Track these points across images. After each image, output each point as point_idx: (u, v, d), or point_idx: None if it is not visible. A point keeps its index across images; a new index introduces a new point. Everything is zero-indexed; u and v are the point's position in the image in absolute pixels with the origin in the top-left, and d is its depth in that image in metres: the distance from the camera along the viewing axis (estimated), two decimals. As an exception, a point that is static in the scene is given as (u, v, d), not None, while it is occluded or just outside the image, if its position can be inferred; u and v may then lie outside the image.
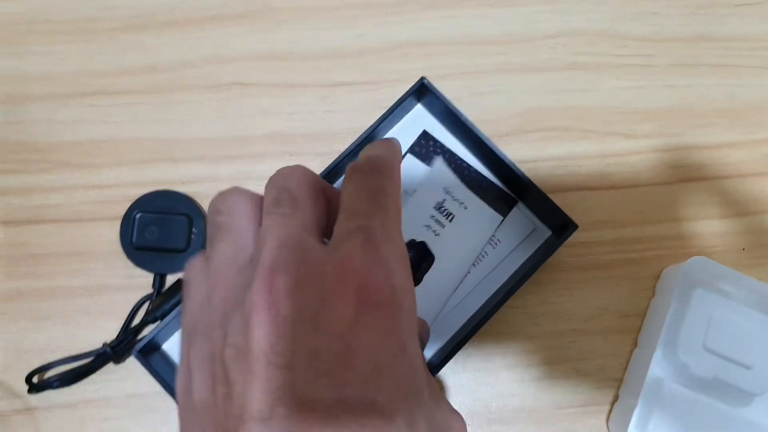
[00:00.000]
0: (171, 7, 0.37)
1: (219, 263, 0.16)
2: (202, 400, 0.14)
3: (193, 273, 0.17)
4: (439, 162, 0.34)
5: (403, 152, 0.35)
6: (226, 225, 0.17)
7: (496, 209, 0.35)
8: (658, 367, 0.32)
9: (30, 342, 0.33)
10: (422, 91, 0.34)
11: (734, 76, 0.37)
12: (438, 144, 0.35)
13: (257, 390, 0.13)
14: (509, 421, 0.33)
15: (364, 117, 0.35)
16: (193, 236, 0.34)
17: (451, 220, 0.32)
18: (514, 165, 0.32)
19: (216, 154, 0.35)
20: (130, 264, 0.34)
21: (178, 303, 0.33)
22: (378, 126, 0.33)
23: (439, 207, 0.33)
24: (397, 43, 0.37)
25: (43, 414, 0.33)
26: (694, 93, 0.37)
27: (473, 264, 0.34)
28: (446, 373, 0.34)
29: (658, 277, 0.35)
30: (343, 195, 0.17)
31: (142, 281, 0.34)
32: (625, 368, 0.34)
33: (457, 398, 0.34)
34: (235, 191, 0.18)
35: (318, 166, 0.35)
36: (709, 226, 0.36)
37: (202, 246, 0.34)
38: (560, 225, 0.33)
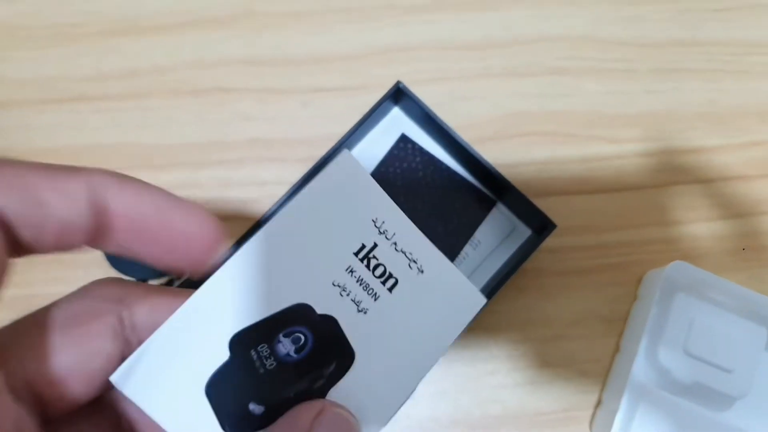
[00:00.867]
0: (152, 11, 0.37)
1: None
2: None
3: None
4: (356, 170, 0.16)
5: (382, 156, 0.35)
6: None
7: (475, 210, 0.35)
8: (640, 372, 0.32)
9: (8, 350, 0.33)
10: (399, 95, 0.34)
11: (715, 81, 0.37)
12: (417, 147, 0.35)
13: None
14: (492, 428, 0.33)
15: (345, 122, 0.35)
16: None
17: (390, 287, 0.16)
18: (491, 166, 0.33)
19: (197, 159, 0.35)
20: (111, 271, 0.34)
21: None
22: (356, 131, 0.33)
23: (364, 256, 0.16)
24: (378, 48, 0.37)
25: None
26: (675, 97, 0.37)
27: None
28: (428, 380, 0.34)
29: (640, 281, 0.35)
30: None
31: (122, 288, 0.34)
32: (608, 373, 0.34)
33: (439, 406, 0.34)
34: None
35: (299, 172, 0.34)
36: (691, 229, 0.36)
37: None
38: (539, 225, 0.33)
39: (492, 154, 0.35)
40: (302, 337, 0.15)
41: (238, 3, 0.37)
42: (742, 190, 0.36)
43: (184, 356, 0.14)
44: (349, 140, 0.33)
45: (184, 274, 0.15)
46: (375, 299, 0.16)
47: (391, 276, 0.16)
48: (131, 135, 0.35)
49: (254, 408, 0.14)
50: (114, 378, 0.13)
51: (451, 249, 0.34)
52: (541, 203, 0.33)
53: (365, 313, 0.15)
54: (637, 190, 0.36)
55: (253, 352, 0.14)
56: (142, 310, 0.14)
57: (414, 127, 0.35)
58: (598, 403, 0.34)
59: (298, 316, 0.15)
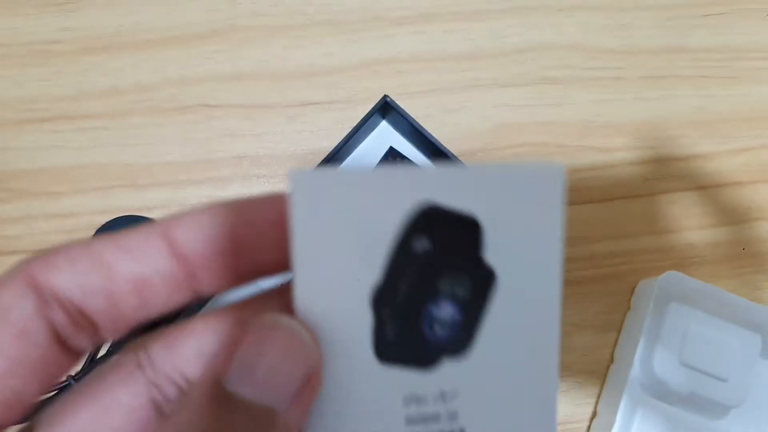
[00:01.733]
0: (133, 28, 0.36)
1: None
2: None
3: None
4: None
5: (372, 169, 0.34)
6: None
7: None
8: (635, 383, 0.32)
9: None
10: (386, 109, 0.33)
11: (704, 87, 0.37)
12: (405, 161, 0.35)
13: None
14: (488, 443, 0.33)
15: (333, 136, 0.35)
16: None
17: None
18: None
19: (182, 178, 0.35)
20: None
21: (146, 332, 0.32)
22: (343, 146, 0.32)
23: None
24: (365, 61, 0.36)
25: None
26: (665, 105, 0.37)
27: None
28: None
29: (633, 291, 0.35)
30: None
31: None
32: (603, 384, 0.34)
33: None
34: None
35: (287, 189, 0.34)
36: (684, 237, 0.36)
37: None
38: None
39: (482, 166, 0.35)
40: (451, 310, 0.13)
41: (220, 18, 0.36)
42: (734, 197, 0.36)
43: None
44: (336, 155, 0.33)
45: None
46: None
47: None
48: (114, 154, 0.35)
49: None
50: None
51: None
52: (532, 215, 0.33)
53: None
54: (629, 199, 0.36)
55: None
56: (157, 348, 0.13)
57: (402, 140, 0.35)
58: (594, 414, 0.34)
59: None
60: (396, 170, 0.12)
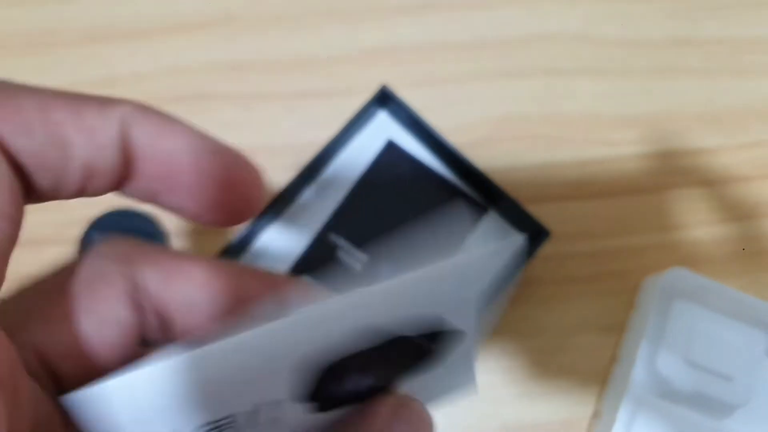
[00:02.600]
0: (130, 17, 0.36)
1: None
2: None
3: None
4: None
5: (368, 163, 0.34)
6: None
7: (466, 218, 0.34)
8: (639, 381, 0.31)
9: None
10: (384, 99, 0.33)
11: (713, 80, 0.36)
12: (404, 153, 0.34)
13: None
14: (487, 441, 0.33)
15: (332, 127, 0.34)
16: (156, 256, 0.33)
17: None
18: (482, 172, 0.32)
19: (177, 170, 0.34)
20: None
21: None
22: (341, 137, 0.32)
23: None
24: (365, 51, 0.36)
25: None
26: (673, 98, 0.36)
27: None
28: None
29: (637, 288, 0.34)
30: None
31: (103, 305, 0.33)
32: (606, 383, 0.33)
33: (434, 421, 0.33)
34: None
35: (284, 180, 0.33)
36: (690, 234, 0.35)
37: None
38: (532, 232, 0.32)
39: (483, 159, 0.34)
40: None
41: (217, 7, 0.36)
42: (741, 192, 0.36)
43: None
44: (334, 146, 0.32)
45: (216, 227, 0.13)
46: None
47: None
48: (109, 145, 0.34)
49: None
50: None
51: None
52: (535, 209, 0.32)
53: None
54: (634, 194, 0.35)
55: None
56: (153, 273, 0.12)
57: (401, 132, 0.34)
58: (596, 413, 0.33)
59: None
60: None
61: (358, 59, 0.35)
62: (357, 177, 0.34)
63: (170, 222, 0.34)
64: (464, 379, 0.13)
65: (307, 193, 0.33)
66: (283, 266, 0.32)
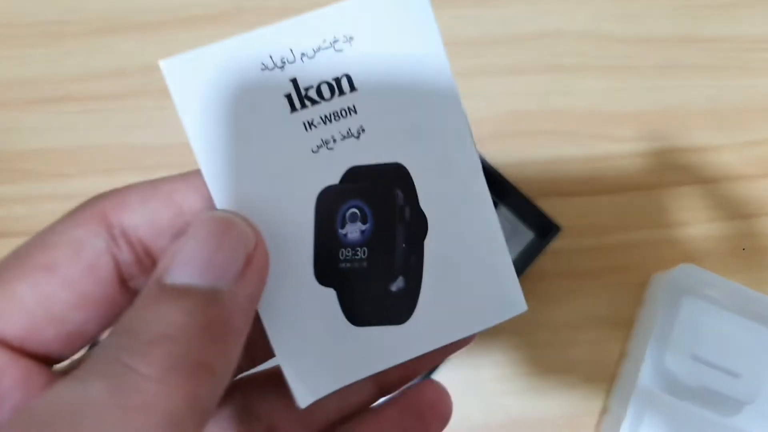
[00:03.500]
0: (141, 9, 0.36)
1: None
2: None
3: None
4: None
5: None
6: None
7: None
8: (646, 377, 0.31)
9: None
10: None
11: (717, 78, 0.37)
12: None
13: None
14: (494, 435, 0.32)
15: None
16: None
17: (349, 88, 0.13)
18: (492, 166, 0.32)
19: (188, 160, 0.34)
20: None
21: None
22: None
23: (300, 97, 0.13)
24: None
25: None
26: (677, 95, 0.36)
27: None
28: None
29: (645, 284, 0.34)
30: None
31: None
32: (614, 379, 0.33)
33: (440, 412, 0.33)
34: None
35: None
36: (697, 230, 0.35)
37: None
38: (543, 228, 0.32)
39: (492, 154, 0.34)
40: (355, 209, 0.13)
41: (228, 0, 0.36)
42: (747, 190, 0.36)
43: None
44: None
45: None
46: (354, 112, 0.13)
47: (339, 78, 0.13)
48: (121, 136, 0.34)
49: (394, 286, 0.13)
50: None
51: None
52: (542, 204, 0.32)
53: (362, 131, 0.13)
54: (641, 190, 0.35)
55: (342, 266, 0.13)
56: (131, 207, 0.13)
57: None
58: (604, 409, 0.33)
59: (329, 201, 0.13)
60: (258, 33, 0.12)
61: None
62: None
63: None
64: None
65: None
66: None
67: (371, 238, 0.13)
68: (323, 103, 0.13)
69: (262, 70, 0.13)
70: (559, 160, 0.35)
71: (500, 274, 0.14)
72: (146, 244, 0.12)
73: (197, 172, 0.13)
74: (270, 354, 0.13)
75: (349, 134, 0.13)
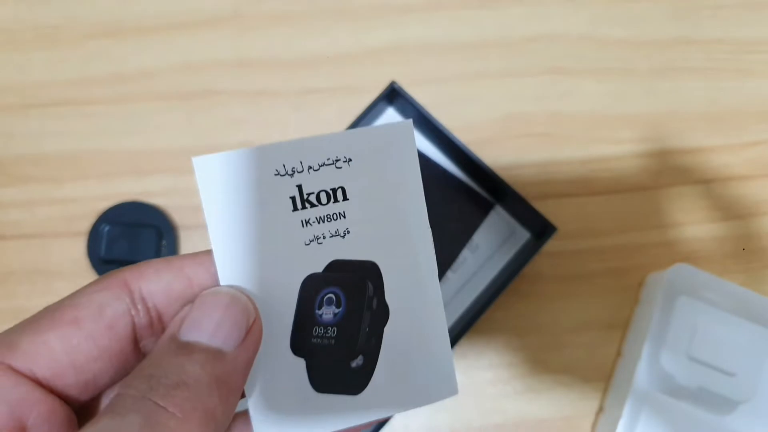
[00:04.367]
0: (138, 14, 0.36)
1: None
2: None
3: None
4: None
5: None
6: None
7: (473, 214, 0.34)
8: (642, 377, 0.31)
9: (-8, 364, 0.32)
10: (393, 96, 0.33)
11: (714, 80, 0.37)
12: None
13: None
14: (492, 436, 0.33)
15: (339, 124, 0.34)
16: (162, 248, 0.33)
17: (342, 197, 0.16)
18: (489, 168, 0.32)
19: (185, 165, 0.34)
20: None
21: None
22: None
23: (301, 200, 0.16)
24: (372, 49, 0.36)
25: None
26: (675, 97, 0.37)
27: (451, 269, 0.33)
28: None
29: (641, 285, 0.35)
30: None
31: (110, 299, 0.33)
32: (610, 379, 0.34)
33: (438, 416, 0.33)
34: None
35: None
36: (693, 231, 0.35)
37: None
38: (539, 228, 0.32)
39: (489, 156, 0.34)
40: (332, 295, 0.16)
41: (225, 4, 0.36)
42: (742, 191, 0.36)
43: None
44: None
45: None
46: (344, 217, 0.16)
47: (335, 190, 0.16)
48: (119, 140, 0.34)
49: (354, 362, 0.16)
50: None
51: (450, 253, 0.33)
52: (539, 206, 0.32)
53: (348, 233, 0.16)
54: (637, 191, 0.35)
55: (314, 341, 0.16)
56: (148, 278, 0.15)
57: (409, 129, 0.35)
58: (600, 409, 0.33)
59: (311, 286, 0.16)
60: (274, 146, 0.15)
61: (365, 57, 0.36)
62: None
63: (179, 215, 0.34)
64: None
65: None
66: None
67: (342, 320, 0.16)
68: (320, 206, 0.16)
69: (275, 174, 0.15)
70: (556, 162, 0.35)
71: (441, 363, 0.17)
72: (159, 310, 0.15)
73: (205, 253, 0.15)
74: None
75: (336, 233, 0.16)
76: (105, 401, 0.15)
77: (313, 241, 0.16)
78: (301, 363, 0.15)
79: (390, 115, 0.35)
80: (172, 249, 0.33)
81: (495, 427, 0.33)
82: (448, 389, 0.17)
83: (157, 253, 0.33)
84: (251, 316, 0.14)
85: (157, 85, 0.35)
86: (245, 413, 0.15)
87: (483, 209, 0.34)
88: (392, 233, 0.16)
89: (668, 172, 0.36)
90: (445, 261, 0.33)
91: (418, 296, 0.16)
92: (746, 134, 0.36)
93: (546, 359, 0.33)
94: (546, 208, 0.33)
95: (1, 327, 0.36)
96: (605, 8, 0.37)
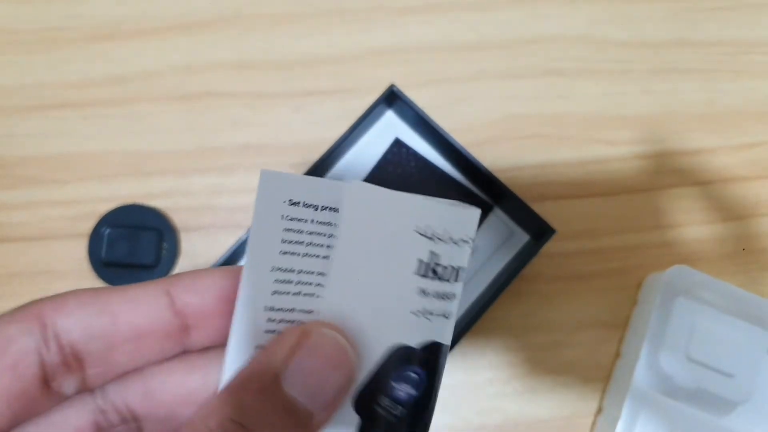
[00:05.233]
0: (139, 15, 0.36)
1: None
2: None
3: None
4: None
5: (376, 161, 0.34)
6: None
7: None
8: (641, 378, 0.32)
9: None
10: (392, 99, 0.33)
11: (713, 81, 0.37)
12: (411, 151, 0.35)
13: None
14: (491, 436, 0.33)
15: (338, 126, 0.34)
16: (163, 251, 0.33)
17: (459, 277, 0.15)
18: (488, 170, 0.32)
19: (186, 167, 0.34)
20: (98, 283, 0.33)
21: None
22: (349, 135, 0.32)
23: (428, 269, 0.15)
24: (371, 51, 0.36)
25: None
26: (673, 98, 0.37)
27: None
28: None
29: (640, 285, 0.35)
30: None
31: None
32: (609, 379, 0.34)
33: (438, 416, 0.33)
34: None
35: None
36: (691, 232, 0.35)
37: (172, 261, 0.33)
38: (538, 230, 0.33)
39: (488, 157, 0.34)
40: (416, 376, 0.15)
41: (226, 6, 0.36)
42: (741, 192, 0.36)
43: None
44: (342, 145, 0.33)
45: None
46: (454, 299, 0.15)
47: (460, 269, 0.15)
48: (119, 142, 0.35)
49: None
50: None
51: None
52: (538, 207, 0.33)
53: (451, 316, 0.15)
54: (636, 193, 0.35)
55: (378, 408, 0.14)
56: (67, 311, 0.13)
57: (408, 130, 0.35)
58: (599, 410, 0.34)
59: (401, 358, 0.14)
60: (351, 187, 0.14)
61: (365, 59, 0.36)
62: (365, 174, 0.34)
63: (180, 218, 0.34)
64: None
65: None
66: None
67: (413, 404, 0.15)
68: (443, 282, 0.15)
69: (415, 231, 0.14)
70: (554, 163, 0.35)
71: None
72: (75, 348, 0.13)
73: (137, 287, 0.14)
74: None
75: (443, 314, 0.15)
76: None
77: (422, 314, 0.14)
78: (354, 419, 0.14)
79: (389, 119, 0.35)
80: (173, 251, 0.33)
81: (494, 427, 0.33)
82: None
83: (158, 256, 0.33)
84: (353, 376, 0.13)
85: (158, 86, 0.35)
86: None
87: (482, 211, 0.34)
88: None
89: (666, 173, 0.36)
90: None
91: None
92: (744, 135, 0.37)
93: (545, 359, 0.34)
94: (544, 210, 0.34)
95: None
96: (603, 10, 0.37)
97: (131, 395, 0.14)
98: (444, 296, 0.14)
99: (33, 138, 0.35)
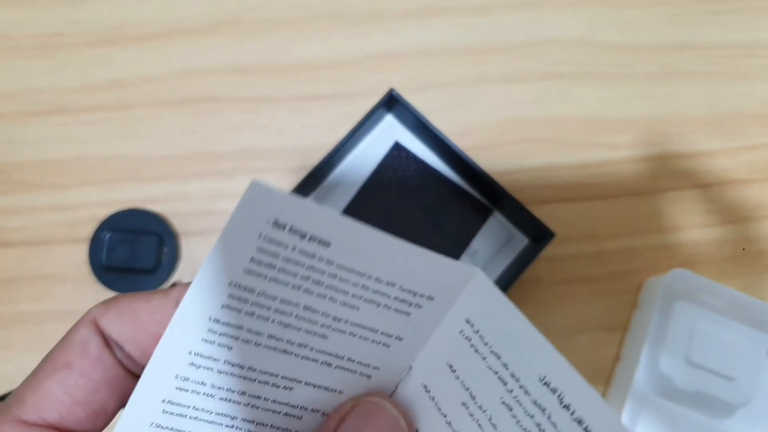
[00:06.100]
0: (138, 20, 0.36)
1: None
2: None
3: None
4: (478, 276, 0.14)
5: (376, 165, 0.34)
6: None
7: (472, 219, 0.34)
8: (641, 381, 0.32)
9: (-6, 370, 0.32)
10: (392, 103, 0.33)
11: (712, 84, 0.37)
12: (411, 155, 0.35)
13: None
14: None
15: (338, 130, 0.34)
16: (163, 255, 0.33)
17: None
18: (487, 173, 0.32)
19: (186, 171, 0.34)
20: (98, 287, 0.33)
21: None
22: (349, 139, 0.32)
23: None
24: (370, 55, 0.36)
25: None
26: (672, 102, 0.37)
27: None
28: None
29: (640, 289, 0.35)
30: None
31: (111, 304, 0.33)
32: (609, 382, 0.34)
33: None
34: None
35: (291, 182, 0.34)
36: (691, 235, 0.35)
37: (172, 265, 0.33)
38: (537, 233, 0.33)
39: (487, 161, 0.34)
40: None
41: (225, 11, 0.36)
42: (740, 195, 0.36)
43: None
44: (341, 149, 0.33)
45: None
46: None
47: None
48: (118, 147, 0.35)
49: None
50: None
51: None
52: (537, 211, 0.33)
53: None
54: (635, 196, 0.36)
55: None
56: (111, 318, 0.15)
57: (408, 134, 0.35)
58: (599, 413, 0.33)
59: None
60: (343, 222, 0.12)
61: (364, 63, 0.36)
62: (365, 178, 0.34)
63: (179, 222, 0.34)
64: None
65: (315, 194, 0.34)
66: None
67: None
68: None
69: (539, 380, 0.13)
70: (554, 166, 0.35)
71: None
72: (119, 342, 0.15)
73: (152, 295, 0.15)
74: None
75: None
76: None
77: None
78: None
79: (389, 123, 0.35)
80: (173, 256, 0.33)
81: None
82: None
83: (158, 260, 0.33)
84: None
85: (158, 91, 0.35)
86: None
87: (481, 215, 0.34)
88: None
89: (666, 176, 0.36)
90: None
91: None
92: (744, 138, 0.37)
93: (545, 363, 0.34)
94: (544, 213, 0.34)
95: (2, 331, 0.36)
96: (602, 14, 0.37)
97: (49, 406, 0.15)
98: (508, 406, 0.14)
99: (33, 143, 0.35)
